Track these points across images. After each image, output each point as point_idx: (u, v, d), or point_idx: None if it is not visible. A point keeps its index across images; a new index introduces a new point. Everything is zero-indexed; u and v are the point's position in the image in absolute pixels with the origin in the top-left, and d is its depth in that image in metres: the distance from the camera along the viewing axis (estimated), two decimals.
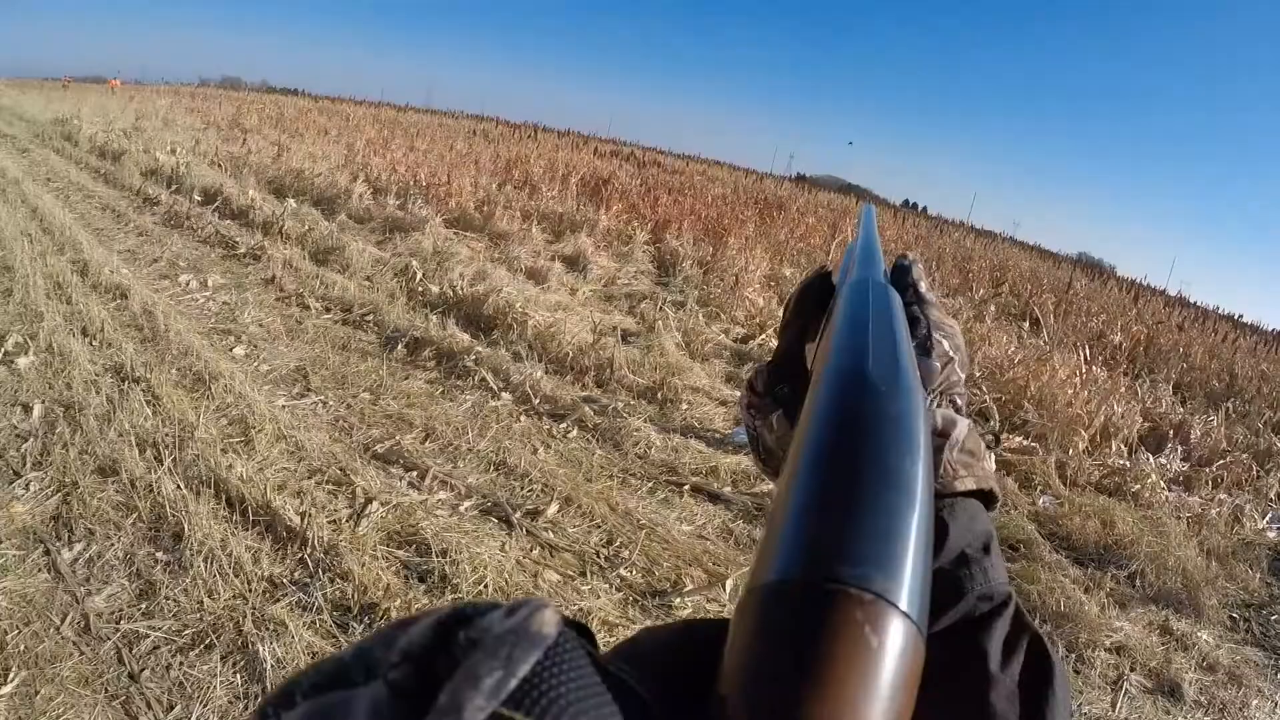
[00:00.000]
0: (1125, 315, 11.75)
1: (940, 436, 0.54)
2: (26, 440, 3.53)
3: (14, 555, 2.77)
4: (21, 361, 4.32)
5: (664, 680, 0.24)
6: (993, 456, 0.59)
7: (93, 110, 21.92)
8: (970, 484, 0.54)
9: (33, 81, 46.27)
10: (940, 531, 0.50)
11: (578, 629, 0.25)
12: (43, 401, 3.88)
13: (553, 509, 3.39)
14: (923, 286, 0.66)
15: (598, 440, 4.22)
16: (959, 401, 0.62)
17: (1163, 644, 3.29)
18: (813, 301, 0.64)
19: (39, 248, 6.63)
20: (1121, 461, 5.11)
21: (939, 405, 0.59)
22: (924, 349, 0.60)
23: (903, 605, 0.23)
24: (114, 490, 3.18)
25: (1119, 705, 2.91)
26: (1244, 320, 24.69)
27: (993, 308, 9.99)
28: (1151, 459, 5.20)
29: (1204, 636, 3.40)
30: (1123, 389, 6.26)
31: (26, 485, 3.19)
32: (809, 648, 0.21)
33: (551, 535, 3.21)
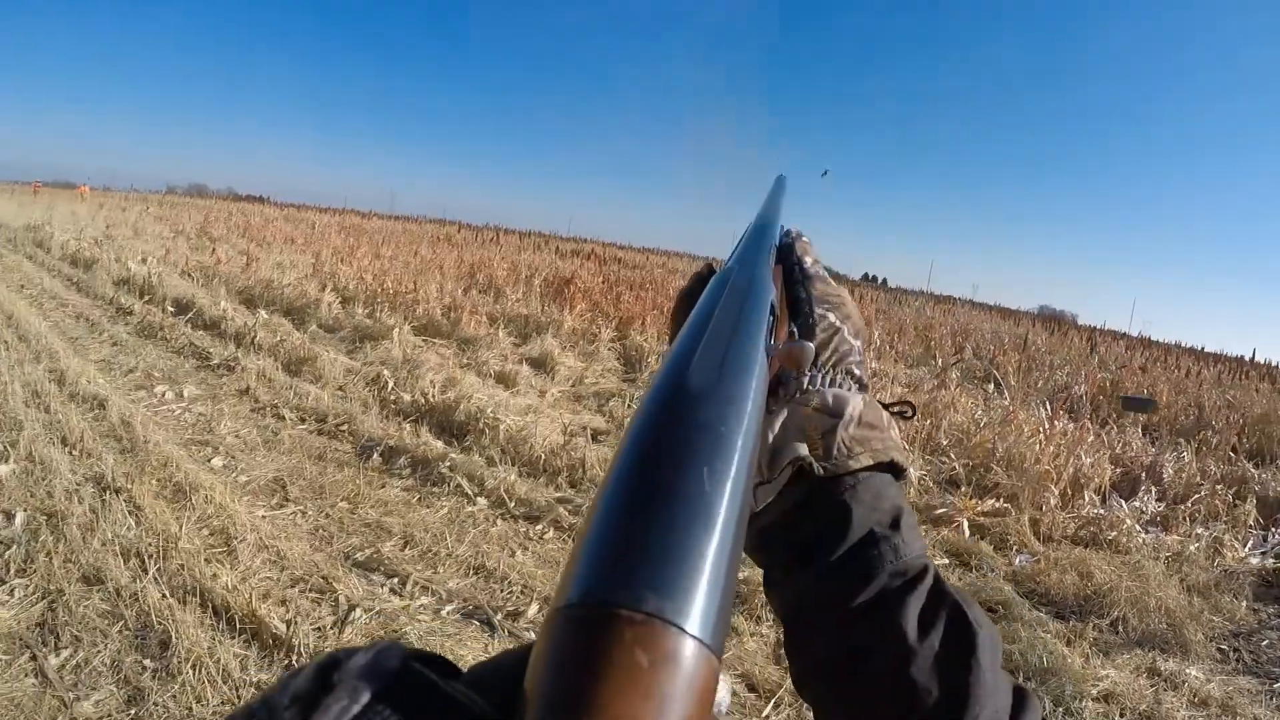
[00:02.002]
0: (1087, 365, 12.01)
1: (831, 416, 0.55)
2: (9, 547, 3.57)
3: (0, 659, 2.81)
4: (2, 469, 4.37)
5: (503, 702, 0.25)
6: (896, 427, 0.60)
7: (63, 217, 22.09)
8: (867, 460, 0.54)
9: (3, 185, 46.39)
10: (842, 514, 0.52)
11: (431, 660, 0.27)
12: (25, 509, 3.93)
13: (533, 609, 3.49)
14: (807, 262, 0.66)
15: (573, 539, 4.29)
16: (856, 371, 0.61)
17: (1151, 686, 3.38)
18: (693, 304, 0.64)
19: (15, 355, 6.70)
20: (1096, 510, 5.20)
21: (833, 382, 0.58)
22: (806, 331, 0.59)
23: (682, 622, 0.23)
24: (99, 598, 3.23)
25: None
26: (1206, 351, 25.54)
27: (956, 373, 10.21)
28: (1124, 504, 5.30)
29: (1193, 673, 3.50)
30: (1090, 438, 6.38)
31: (11, 591, 3.24)
32: (583, 671, 0.22)
33: (532, 635, 3.27)
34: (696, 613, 0.23)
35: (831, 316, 0.61)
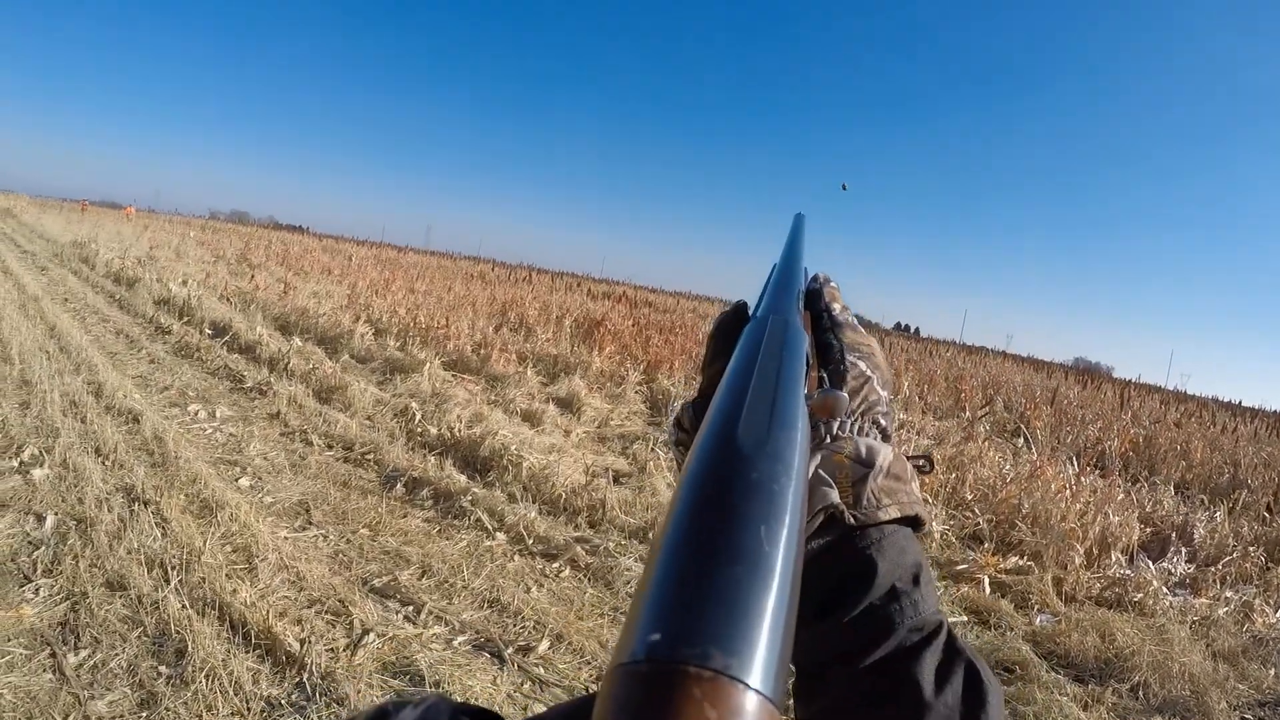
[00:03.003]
0: (1119, 419, 11.79)
1: (863, 465, 0.55)
2: (38, 548, 3.70)
3: (21, 654, 2.91)
4: (36, 473, 4.52)
5: None
6: (917, 479, 0.60)
7: (109, 236, 22.73)
8: (895, 512, 0.55)
9: (53, 202, 47.89)
10: (867, 567, 0.53)
11: (479, 715, 0.28)
12: (55, 513, 4.07)
13: (544, 646, 3.52)
14: (836, 309, 0.66)
15: (589, 579, 4.36)
16: (883, 421, 0.61)
17: None
18: (727, 339, 0.62)
19: (56, 365, 6.92)
20: (1122, 571, 5.09)
21: (861, 430, 0.59)
22: (837, 378, 0.60)
23: (747, 678, 0.23)
24: (121, 604, 3.33)
25: None
26: (1244, 406, 24.78)
27: (984, 427, 10.08)
28: (1152, 565, 5.18)
29: None
30: (1119, 496, 6.25)
31: (36, 590, 3.35)
32: None
33: (542, 671, 3.33)
34: (759, 668, 0.24)
35: (862, 365, 0.62)
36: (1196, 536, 5.90)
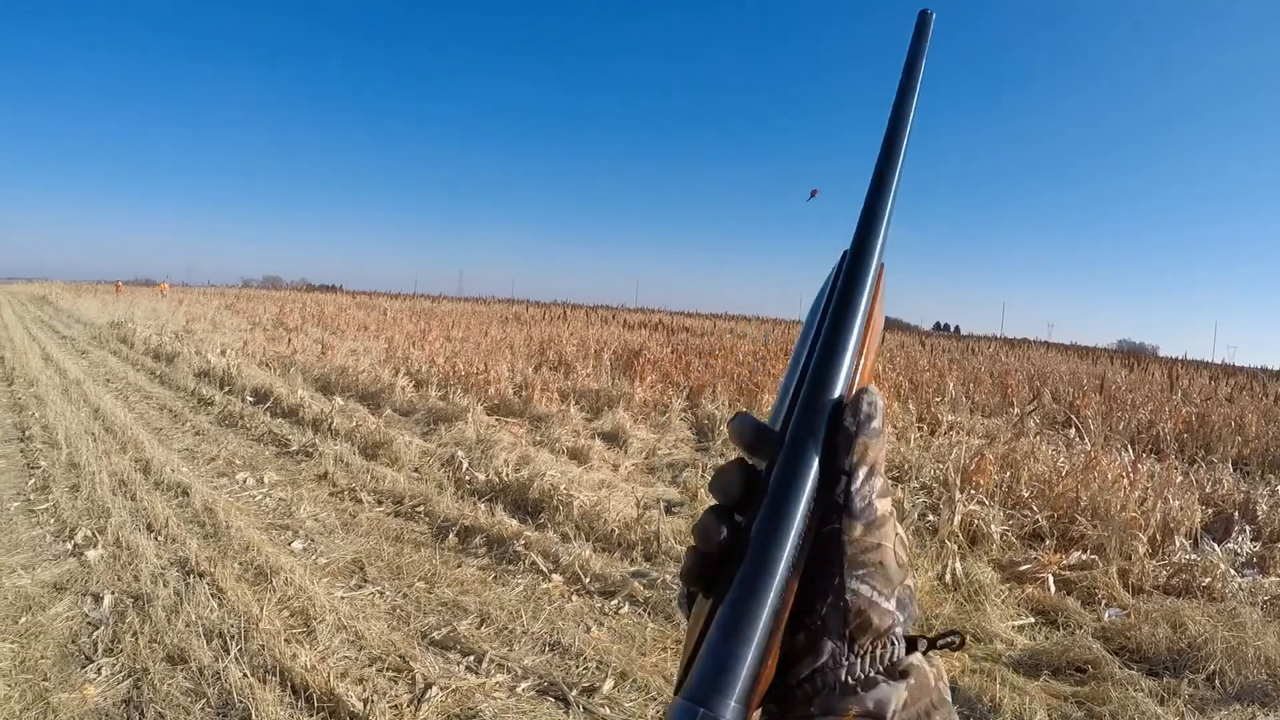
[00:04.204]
0: (1170, 400, 11.53)
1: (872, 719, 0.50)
2: (98, 628, 3.79)
3: None
4: (91, 554, 4.63)
5: None
6: (945, 678, 0.54)
7: (145, 313, 23.35)
8: None
9: (87, 285, 49.30)
10: None
11: None
12: (112, 592, 4.16)
13: (608, 685, 3.52)
14: (858, 485, 0.52)
15: (649, 614, 4.35)
16: (895, 651, 0.52)
17: None
18: (724, 508, 0.51)
19: (102, 446, 7.11)
20: (1187, 556, 5.00)
21: (868, 677, 0.51)
22: (834, 621, 0.51)
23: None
24: (183, 677, 3.39)
25: None
26: None
27: (1034, 421, 9.92)
28: (1217, 547, 5.08)
29: None
30: (1178, 479, 6.12)
31: (98, 670, 3.43)
32: None
33: (608, 711, 3.32)
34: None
35: (865, 591, 0.51)
36: (1260, 513, 5.80)
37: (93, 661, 3.50)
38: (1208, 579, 4.71)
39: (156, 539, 5.00)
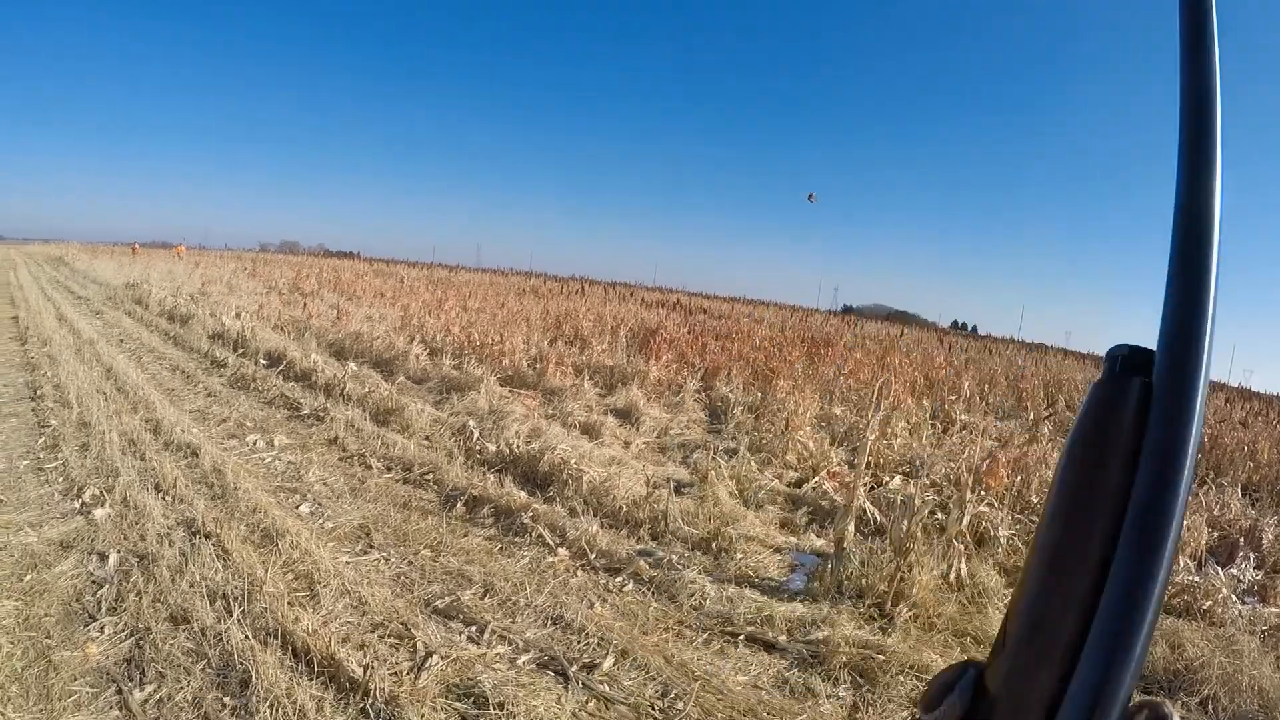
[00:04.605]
0: None
1: None
2: (102, 586, 3.80)
3: (87, 692, 2.99)
4: (98, 513, 4.66)
5: None
6: None
7: (161, 275, 23.44)
8: None
9: (104, 247, 49.54)
10: None
11: None
12: (118, 551, 4.18)
13: (609, 662, 3.51)
14: None
15: (653, 593, 4.34)
16: None
17: None
18: None
19: (113, 406, 7.14)
20: (1190, 578, 4.95)
21: None
22: None
23: None
24: (185, 637, 3.40)
25: None
26: None
27: (1048, 427, 9.89)
28: (1220, 572, 5.02)
29: None
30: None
31: (101, 628, 3.45)
32: None
33: (607, 688, 3.31)
34: None
35: None
36: (1265, 541, 5.71)
37: (96, 620, 3.52)
38: (1209, 602, 4.67)
39: (164, 499, 5.02)
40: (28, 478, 5.28)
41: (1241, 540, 5.68)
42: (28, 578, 3.84)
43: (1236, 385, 27.26)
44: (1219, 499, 6.73)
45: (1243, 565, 5.24)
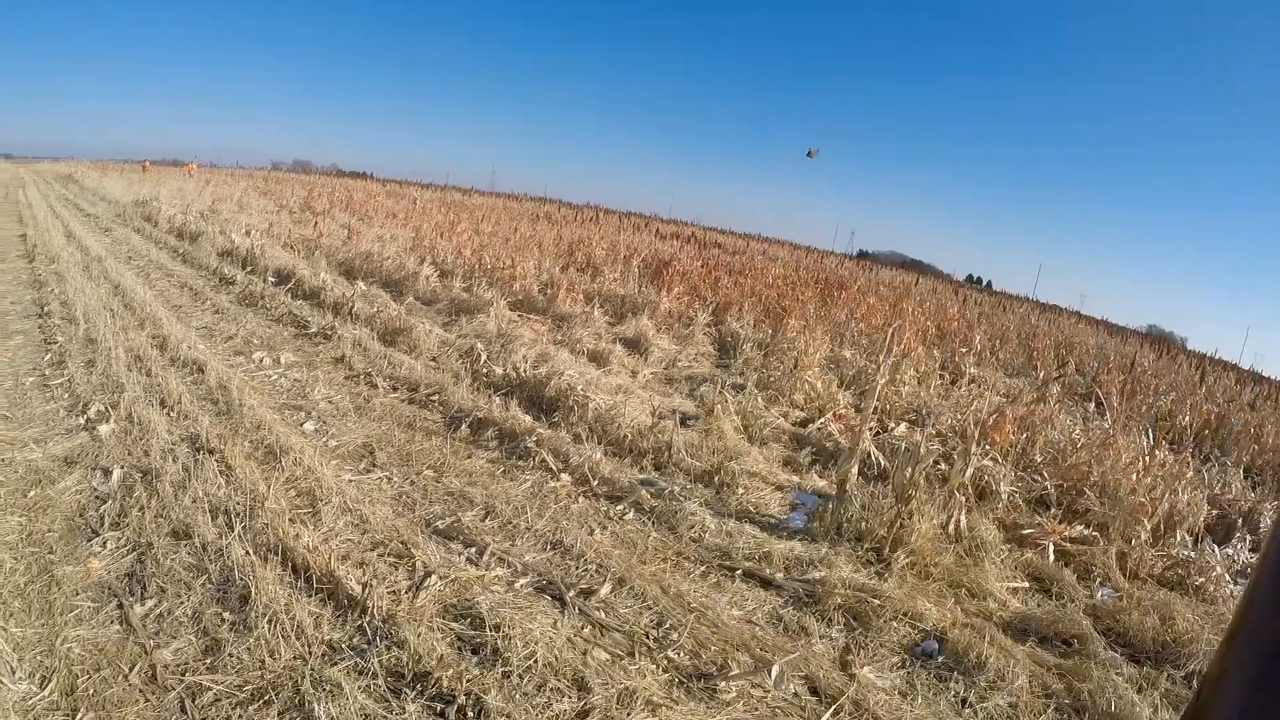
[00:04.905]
0: (1194, 394, 11.43)
1: None
2: (105, 502, 3.83)
3: (89, 607, 3.02)
4: (103, 429, 4.68)
5: None
6: None
7: (171, 193, 23.34)
8: None
9: (114, 164, 49.25)
10: None
11: None
12: (122, 467, 4.21)
13: (606, 589, 3.52)
14: None
15: (653, 523, 4.35)
16: None
17: None
18: None
19: (120, 322, 7.15)
20: (1185, 553, 4.93)
21: None
22: None
23: None
24: (186, 553, 3.43)
25: None
26: None
27: (1056, 388, 9.85)
28: (1217, 550, 5.00)
29: None
30: (1189, 474, 5.99)
31: (104, 543, 3.47)
32: None
33: (603, 615, 3.33)
34: None
35: None
36: (1263, 524, 5.66)
37: (98, 535, 3.54)
38: (1202, 579, 4.64)
39: (169, 415, 5.04)
40: (33, 394, 5.30)
41: (1240, 521, 5.64)
42: (32, 493, 3.87)
43: (1248, 368, 26.99)
44: (1221, 478, 6.71)
45: (1238, 546, 5.20)
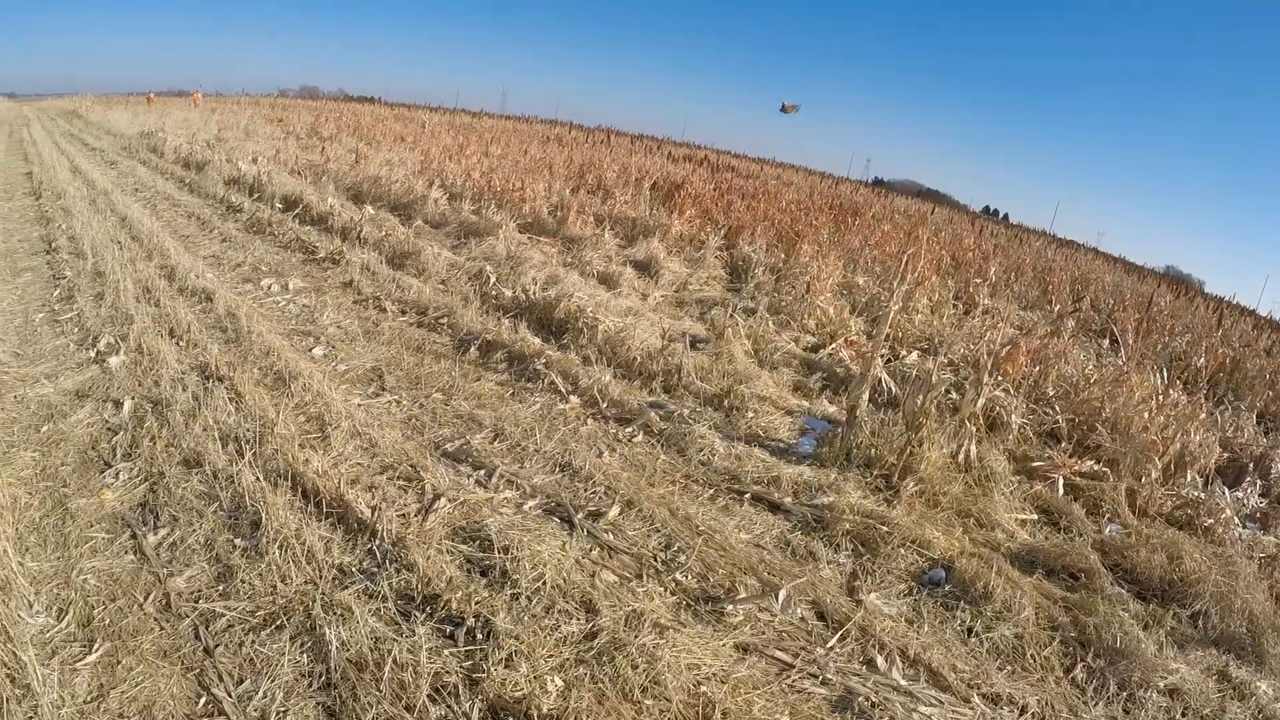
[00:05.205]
0: (1210, 336, 11.30)
1: None
2: (117, 433, 3.86)
3: (103, 538, 3.06)
4: (113, 361, 4.68)
5: None
6: None
7: (177, 123, 23.09)
8: None
9: (118, 97, 48.65)
10: None
11: None
12: (132, 398, 4.23)
13: (614, 512, 3.54)
14: None
15: (662, 446, 4.36)
16: None
17: (1219, 691, 3.12)
18: None
19: (128, 254, 7.13)
20: (1195, 493, 4.89)
21: None
22: None
23: None
24: (197, 481, 3.46)
25: None
26: None
27: (1071, 323, 9.76)
28: (1227, 493, 4.94)
29: (1263, 687, 3.18)
30: (1202, 416, 5.94)
31: (116, 474, 3.51)
32: None
33: (611, 537, 3.35)
34: None
35: None
36: (1274, 470, 5.58)
37: (111, 467, 3.57)
38: (1211, 520, 4.58)
39: (178, 344, 5.04)
40: (43, 330, 5.31)
41: (1251, 465, 5.58)
42: (44, 428, 3.89)
43: (1266, 315, 26.50)
44: (1234, 421, 6.62)
45: (1249, 490, 5.14)
